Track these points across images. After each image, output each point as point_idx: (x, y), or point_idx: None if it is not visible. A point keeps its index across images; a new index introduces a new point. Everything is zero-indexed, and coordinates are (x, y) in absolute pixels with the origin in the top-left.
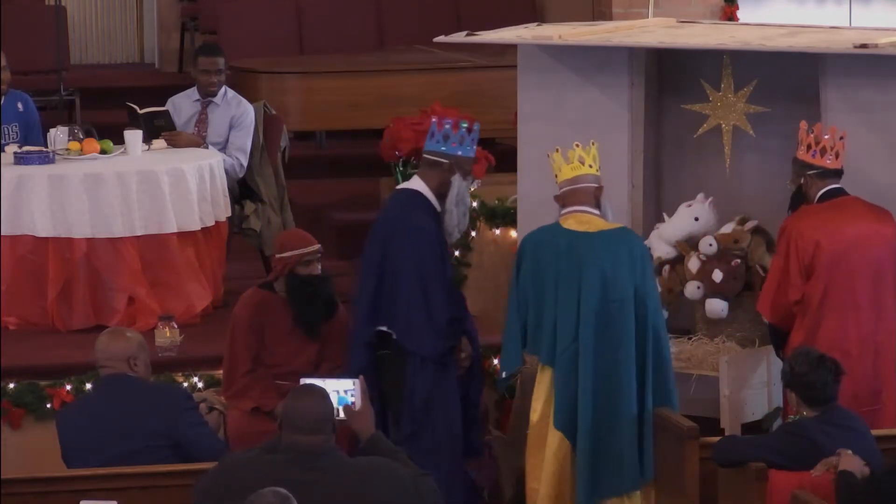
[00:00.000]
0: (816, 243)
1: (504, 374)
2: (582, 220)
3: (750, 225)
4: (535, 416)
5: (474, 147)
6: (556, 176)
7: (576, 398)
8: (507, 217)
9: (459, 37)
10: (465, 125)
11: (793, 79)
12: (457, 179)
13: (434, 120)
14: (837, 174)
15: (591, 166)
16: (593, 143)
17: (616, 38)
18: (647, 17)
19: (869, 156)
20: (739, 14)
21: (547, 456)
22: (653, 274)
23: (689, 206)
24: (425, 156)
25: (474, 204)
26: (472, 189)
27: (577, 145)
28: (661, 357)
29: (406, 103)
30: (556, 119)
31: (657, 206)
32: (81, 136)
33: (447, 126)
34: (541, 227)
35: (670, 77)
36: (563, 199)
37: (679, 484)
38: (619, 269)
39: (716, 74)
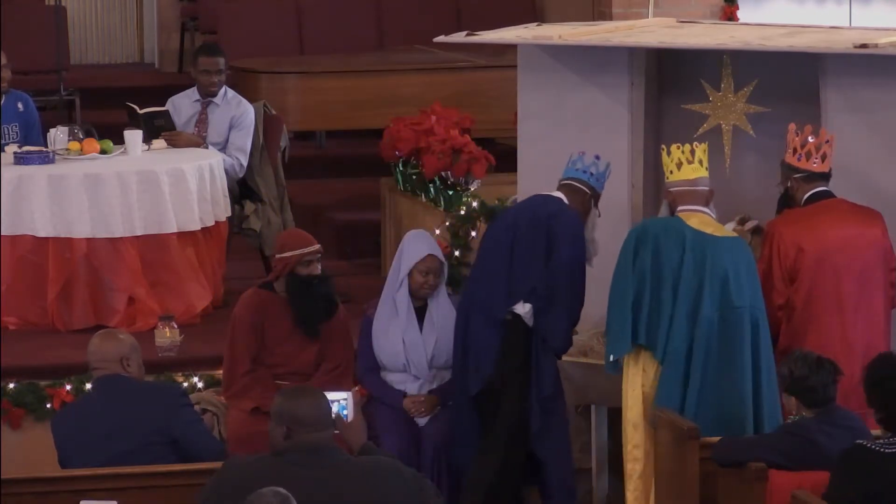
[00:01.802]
0: (798, 247)
1: (612, 358)
2: (704, 220)
3: (750, 225)
4: (633, 415)
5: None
6: (671, 173)
7: (680, 399)
8: None
9: (459, 37)
10: (609, 166)
11: (793, 79)
12: (594, 212)
13: (577, 153)
14: (824, 177)
15: (707, 168)
16: (699, 144)
17: (616, 37)
18: (647, 17)
19: (869, 156)
20: (739, 14)
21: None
22: (760, 288)
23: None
24: (568, 181)
25: (474, 204)
26: (473, 189)
27: (697, 145)
28: (770, 370)
29: (406, 103)
30: (556, 119)
31: (657, 207)
32: (81, 136)
33: (597, 160)
34: (661, 218)
35: (670, 77)
36: (677, 198)
37: (679, 484)
38: (741, 277)
39: (716, 74)
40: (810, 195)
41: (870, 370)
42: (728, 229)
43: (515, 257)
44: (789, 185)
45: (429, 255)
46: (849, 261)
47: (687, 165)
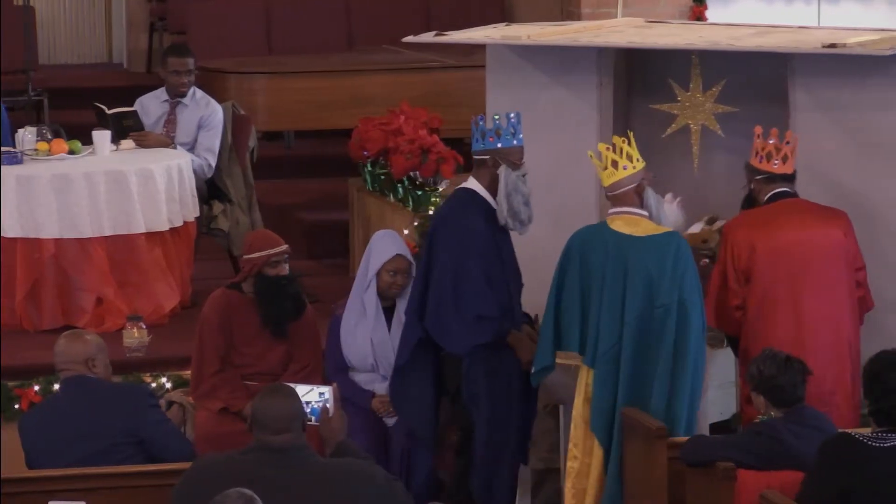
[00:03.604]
0: (751, 247)
1: (533, 370)
2: (630, 221)
3: (718, 224)
4: (577, 415)
5: (517, 136)
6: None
7: (613, 402)
8: None
9: (428, 37)
10: (497, 117)
11: (761, 79)
12: (503, 171)
13: (472, 118)
14: (785, 178)
15: (625, 167)
16: (624, 139)
17: (585, 38)
18: (616, 17)
19: (837, 155)
20: (708, 14)
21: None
22: (697, 282)
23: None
24: (473, 157)
25: None
26: (441, 189)
27: (608, 147)
28: (696, 368)
29: (375, 103)
30: (524, 119)
31: None
32: (50, 137)
33: (481, 122)
34: (588, 227)
35: (639, 77)
36: (612, 202)
37: (647, 484)
38: (664, 276)
39: (684, 74)
40: (770, 196)
41: (869, 363)
42: (695, 229)
43: None
44: (752, 186)
45: (397, 254)
46: (803, 261)
47: (602, 172)
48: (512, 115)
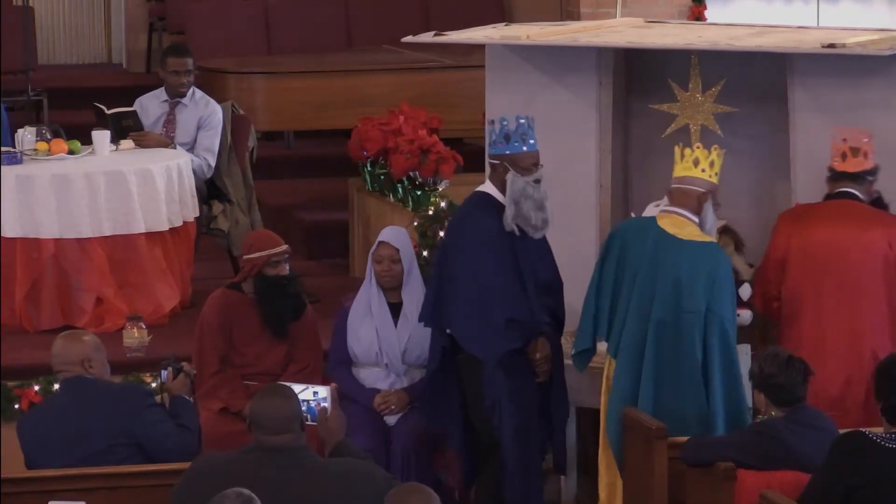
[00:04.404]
0: (789, 240)
1: (573, 352)
2: (677, 222)
3: (718, 224)
4: (602, 409)
5: (527, 142)
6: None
7: (632, 395)
8: None
9: (427, 37)
10: (506, 122)
11: (761, 79)
12: (510, 177)
13: (487, 122)
14: (846, 176)
15: (703, 170)
16: (716, 149)
17: (584, 38)
18: (616, 17)
19: None
20: (707, 14)
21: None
22: (733, 295)
23: (657, 205)
24: (488, 159)
25: (443, 204)
26: (441, 189)
27: (698, 146)
28: (732, 374)
29: (374, 103)
30: None
31: (626, 207)
32: (49, 137)
33: (492, 126)
34: (637, 218)
35: (638, 77)
36: (669, 197)
37: (647, 484)
38: (696, 282)
39: (684, 74)
40: (830, 194)
41: (881, 362)
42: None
43: None
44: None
45: (380, 242)
46: (831, 262)
47: (679, 163)
48: (522, 119)
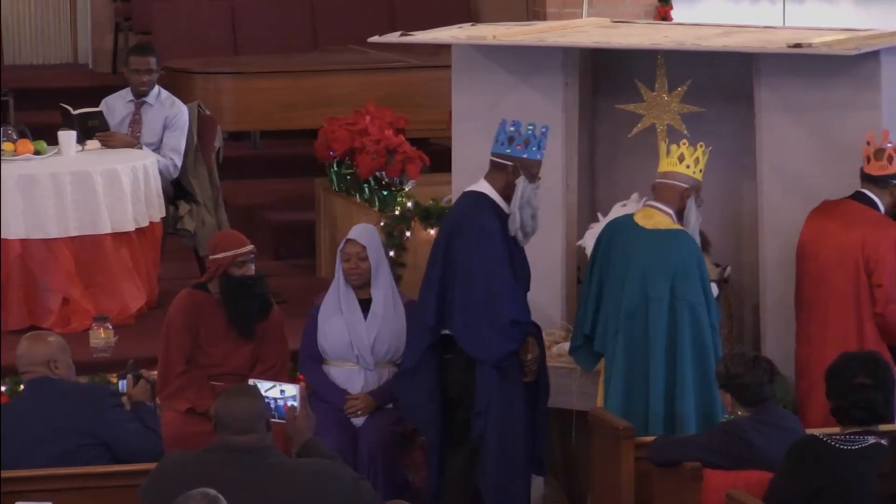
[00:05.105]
0: (803, 237)
1: (568, 350)
2: (648, 214)
3: None
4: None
5: (541, 150)
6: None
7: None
8: (441, 217)
9: (394, 37)
10: (531, 127)
11: (727, 79)
12: (521, 182)
13: (502, 121)
14: (867, 178)
15: (688, 166)
16: (701, 146)
17: (550, 38)
18: (582, 17)
19: (802, 155)
20: (673, 14)
21: None
22: (704, 281)
23: (624, 205)
24: (491, 158)
25: (409, 204)
26: (407, 189)
27: (684, 143)
28: (703, 362)
29: (340, 103)
30: (490, 119)
31: (592, 207)
32: (15, 137)
33: (512, 128)
34: (620, 216)
35: (604, 77)
36: (653, 191)
37: (614, 484)
38: (657, 268)
39: (650, 74)
40: (851, 194)
41: (832, 364)
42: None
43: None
44: None
45: (347, 239)
46: (815, 261)
47: (665, 158)
48: (543, 127)
